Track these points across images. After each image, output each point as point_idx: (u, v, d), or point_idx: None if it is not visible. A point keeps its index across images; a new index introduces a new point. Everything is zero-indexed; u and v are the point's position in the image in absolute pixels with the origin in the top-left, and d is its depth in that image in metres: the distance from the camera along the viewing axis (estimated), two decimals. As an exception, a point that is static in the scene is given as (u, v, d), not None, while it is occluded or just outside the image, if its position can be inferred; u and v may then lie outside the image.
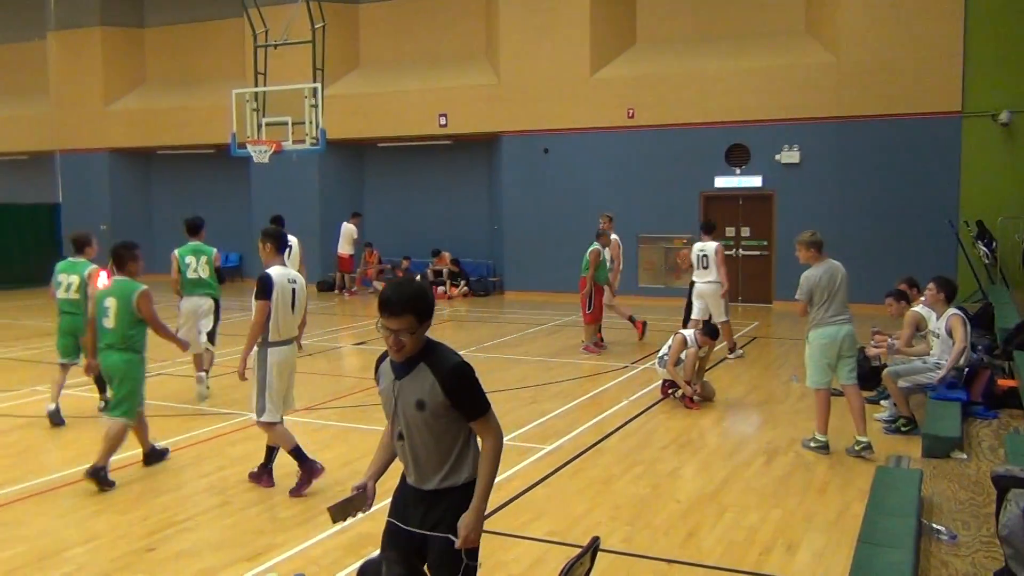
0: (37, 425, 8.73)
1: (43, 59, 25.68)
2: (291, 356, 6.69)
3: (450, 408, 3.27)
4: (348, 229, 20.85)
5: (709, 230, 12.41)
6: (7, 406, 9.55)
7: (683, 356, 9.29)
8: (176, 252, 9.78)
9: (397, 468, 3.59)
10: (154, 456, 7.43)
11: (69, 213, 24.77)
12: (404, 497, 3.47)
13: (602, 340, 12.98)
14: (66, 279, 8.79)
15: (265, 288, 6.43)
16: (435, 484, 3.36)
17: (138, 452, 7.44)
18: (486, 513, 3.39)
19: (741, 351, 12.44)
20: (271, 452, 6.80)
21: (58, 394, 8.75)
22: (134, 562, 5.33)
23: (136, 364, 7.03)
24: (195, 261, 9.73)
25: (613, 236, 13.28)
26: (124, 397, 6.93)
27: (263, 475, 6.76)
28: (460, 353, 3.41)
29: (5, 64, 27.37)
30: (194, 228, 9.94)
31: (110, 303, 6.94)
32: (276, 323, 6.47)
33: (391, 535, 3.50)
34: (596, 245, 12.72)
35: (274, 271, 6.54)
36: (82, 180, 24.94)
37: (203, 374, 9.85)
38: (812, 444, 7.64)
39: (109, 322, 6.93)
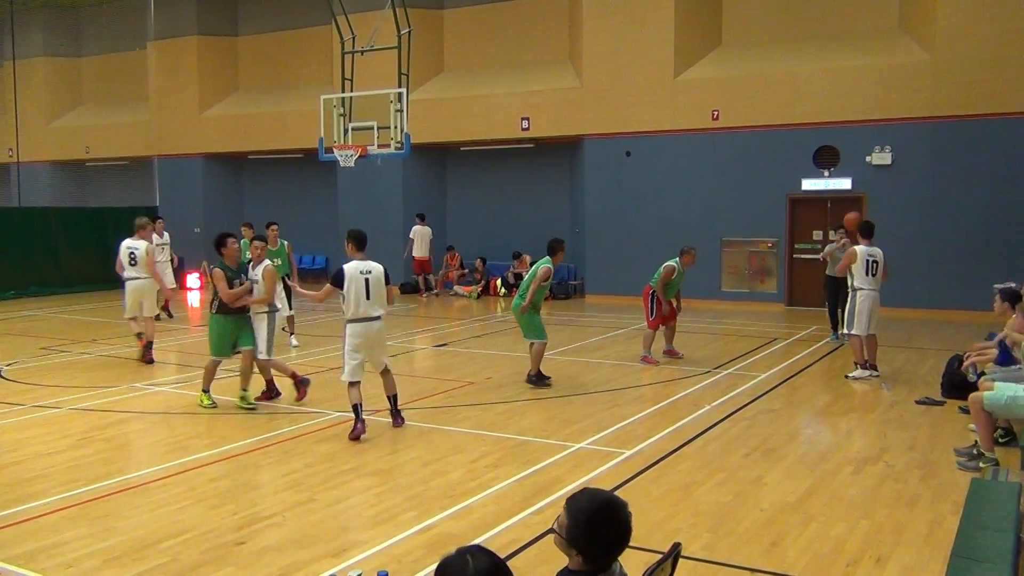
0: (134, 420, 9.11)
1: (143, 68, 26.81)
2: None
3: None
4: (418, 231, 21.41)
5: (870, 233, 11.30)
6: (107, 402, 9.97)
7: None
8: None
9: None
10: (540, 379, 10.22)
11: (166, 215, 25.62)
12: None
13: (676, 351, 12.68)
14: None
15: None
16: None
17: (231, 448, 7.74)
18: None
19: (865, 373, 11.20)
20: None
21: None
22: (224, 555, 5.50)
23: (532, 313, 10.67)
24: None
25: None
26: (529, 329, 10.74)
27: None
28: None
29: (109, 73, 28.74)
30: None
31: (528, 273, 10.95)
32: None
33: None
34: (672, 262, 12.17)
35: None
36: (178, 184, 25.93)
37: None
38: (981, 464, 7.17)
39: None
